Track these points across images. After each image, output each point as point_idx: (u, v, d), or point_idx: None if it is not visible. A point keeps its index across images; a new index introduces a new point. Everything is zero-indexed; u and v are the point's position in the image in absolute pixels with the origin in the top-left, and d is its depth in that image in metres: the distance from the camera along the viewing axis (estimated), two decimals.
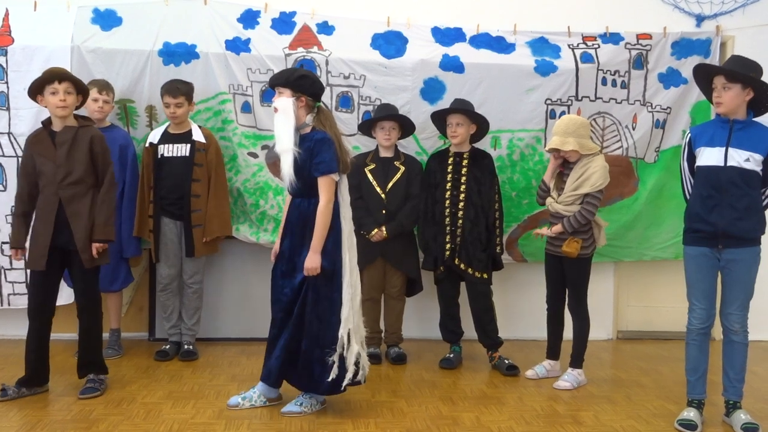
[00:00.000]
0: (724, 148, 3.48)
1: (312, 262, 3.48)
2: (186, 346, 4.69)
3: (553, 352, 4.46)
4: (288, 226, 3.66)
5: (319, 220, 3.49)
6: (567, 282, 4.31)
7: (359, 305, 3.64)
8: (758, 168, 3.47)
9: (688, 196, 3.69)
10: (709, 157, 3.51)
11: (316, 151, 3.49)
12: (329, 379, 3.50)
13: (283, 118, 3.51)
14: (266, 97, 4.91)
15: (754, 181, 3.48)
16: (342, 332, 3.52)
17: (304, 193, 3.56)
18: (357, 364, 3.57)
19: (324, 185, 3.51)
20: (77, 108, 3.86)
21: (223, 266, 5.19)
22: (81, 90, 3.81)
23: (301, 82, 3.57)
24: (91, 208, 3.74)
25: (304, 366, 3.56)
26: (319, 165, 3.49)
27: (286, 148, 3.49)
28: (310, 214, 3.53)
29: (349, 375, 3.54)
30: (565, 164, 4.31)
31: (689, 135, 3.67)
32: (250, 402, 3.66)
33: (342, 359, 3.53)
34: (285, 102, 3.53)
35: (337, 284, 3.55)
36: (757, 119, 3.57)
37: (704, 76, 3.59)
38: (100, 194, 3.77)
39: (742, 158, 3.45)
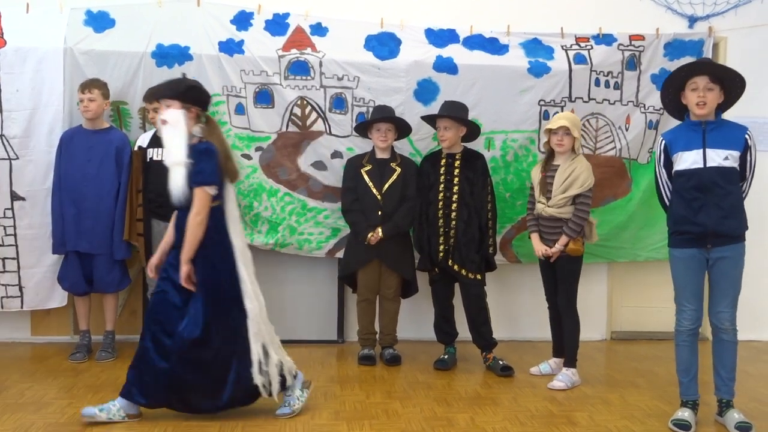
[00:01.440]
0: (701, 150, 3.51)
1: (183, 272, 3.40)
2: None
3: (558, 350, 4.47)
4: (177, 238, 3.53)
5: (193, 230, 3.41)
6: (558, 281, 4.33)
7: (266, 316, 3.61)
8: (736, 164, 3.51)
9: (666, 202, 3.72)
10: (688, 160, 3.54)
11: (196, 161, 3.43)
12: (252, 384, 3.50)
13: (174, 131, 3.43)
14: (260, 99, 4.91)
15: (734, 178, 3.52)
16: (255, 348, 3.49)
17: (187, 205, 3.46)
18: (281, 373, 3.58)
19: (198, 196, 3.44)
20: None
21: None
22: None
23: (191, 93, 3.54)
24: None
25: (230, 382, 3.48)
26: (195, 175, 3.43)
27: (178, 161, 3.41)
28: None
29: (276, 386, 3.55)
30: (547, 167, 4.32)
31: (663, 141, 3.68)
32: (108, 414, 3.47)
33: (265, 373, 3.51)
34: (175, 114, 3.45)
35: (236, 299, 3.49)
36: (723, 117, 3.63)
37: (681, 78, 3.56)
38: None
39: (720, 157, 3.48)
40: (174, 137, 3.43)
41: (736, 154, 3.50)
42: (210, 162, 3.45)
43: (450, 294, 4.71)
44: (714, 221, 3.48)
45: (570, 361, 4.32)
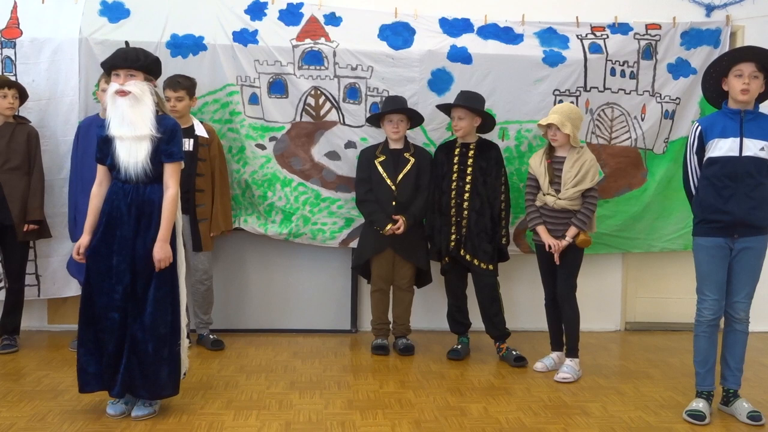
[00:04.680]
0: (738, 139, 3.48)
1: (165, 252, 3.34)
2: (211, 337, 4.76)
3: (557, 344, 4.46)
4: (117, 215, 3.37)
5: (172, 207, 3.38)
6: (559, 269, 4.27)
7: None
8: None
9: (693, 189, 3.68)
10: (723, 147, 3.51)
11: (171, 137, 3.40)
12: (182, 374, 3.49)
13: (140, 103, 3.35)
14: (273, 88, 4.91)
15: (765, 169, 3.50)
16: (183, 325, 3.48)
17: (148, 179, 3.40)
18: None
19: (175, 172, 3.43)
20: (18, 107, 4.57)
21: (228, 258, 5.21)
22: (23, 95, 4.55)
23: (157, 67, 3.51)
24: (24, 190, 4.44)
25: (153, 371, 3.37)
26: (173, 151, 3.41)
27: (146, 134, 3.35)
28: (155, 200, 3.39)
29: (184, 369, 3.52)
30: (551, 155, 4.28)
31: (699, 127, 3.63)
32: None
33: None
34: (142, 86, 3.37)
35: (176, 276, 3.45)
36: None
37: (726, 63, 3.53)
38: (32, 182, 4.47)
39: (757, 147, 3.46)
40: (141, 110, 3.36)
41: None
42: (180, 138, 3.47)
43: (463, 284, 4.71)
44: (743, 211, 3.47)
45: (572, 352, 4.29)
